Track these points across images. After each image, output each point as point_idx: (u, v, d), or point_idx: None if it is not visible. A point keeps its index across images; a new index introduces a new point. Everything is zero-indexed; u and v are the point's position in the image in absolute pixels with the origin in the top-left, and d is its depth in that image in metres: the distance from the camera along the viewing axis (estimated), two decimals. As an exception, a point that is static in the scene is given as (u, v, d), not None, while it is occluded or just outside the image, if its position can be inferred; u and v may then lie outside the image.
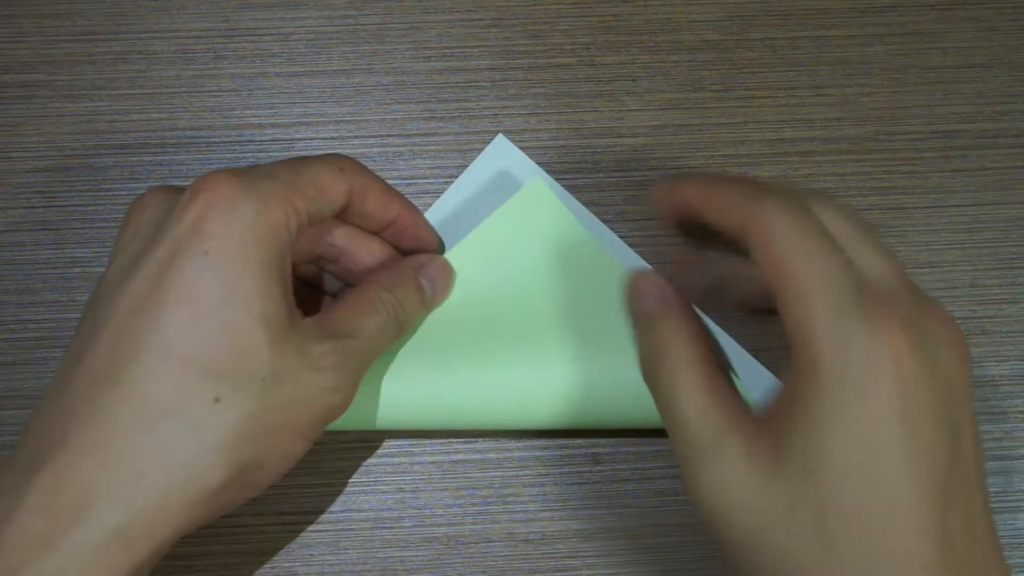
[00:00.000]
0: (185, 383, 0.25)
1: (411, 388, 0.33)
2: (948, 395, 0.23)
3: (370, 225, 0.32)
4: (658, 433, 0.35)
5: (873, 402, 0.23)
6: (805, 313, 0.24)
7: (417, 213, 0.33)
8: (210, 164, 0.36)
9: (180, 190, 0.28)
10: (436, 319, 0.33)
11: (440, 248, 0.35)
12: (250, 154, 0.36)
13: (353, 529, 0.34)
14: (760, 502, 0.24)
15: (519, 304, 0.34)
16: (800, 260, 0.24)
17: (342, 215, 0.31)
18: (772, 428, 0.24)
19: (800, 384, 0.24)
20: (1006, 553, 0.34)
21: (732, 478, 0.24)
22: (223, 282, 0.26)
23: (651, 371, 0.27)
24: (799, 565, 0.24)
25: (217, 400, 0.25)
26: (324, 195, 0.29)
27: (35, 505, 0.24)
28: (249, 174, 0.27)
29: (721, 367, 0.27)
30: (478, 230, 0.34)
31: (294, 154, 0.36)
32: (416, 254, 0.33)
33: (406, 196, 0.33)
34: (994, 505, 0.34)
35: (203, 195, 0.26)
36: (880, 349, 0.23)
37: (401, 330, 0.31)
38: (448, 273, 0.33)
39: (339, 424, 0.30)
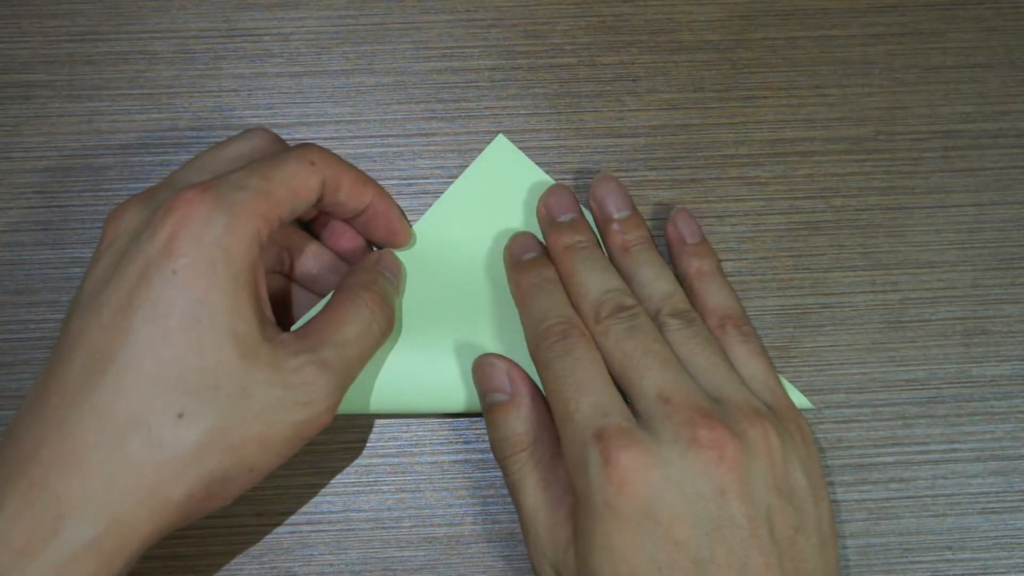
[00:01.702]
0: (151, 398, 0.26)
1: (406, 366, 0.33)
2: (696, 501, 0.27)
3: (342, 213, 0.32)
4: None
5: (620, 512, 0.27)
6: (563, 447, 0.29)
7: (390, 200, 0.33)
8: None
9: (157, 201, 0.28)
10: (417, 288, 0.34)
11: (410, 237, 0.34)
12: (250, 154, 0.36)
13: (353, 529, 0.34)
14: None
15: (495, 262, 0.34)
16: (551, 401, 0.30)
17: (315, 204, 0.31)
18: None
19: (575, 505, 0.28)
20: (1006, 553, 0.34)
21: (555, 565, 0.29)
22: (191, 300, 0.26)
23: (501, 459, 0.31)
24: None
25: (181, 415, 0.26)
26: (296, 197, 0.29)
27: (12, 516, 0.25)
28: (219, 187, 0.27)
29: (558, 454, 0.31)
30: (449, 193, 0.35)
31: (294, 154, 0.36)
32: (373, 252, 0.33)
33: (401, 194, 0.33)
34: (994, 505, 0.34)
35: (175, 213, 0.26)
36: (610, 475, 0.27)
37: (390, 324, 0.31)
38: (399, 265, 0.34)
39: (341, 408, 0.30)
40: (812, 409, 0.35)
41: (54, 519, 0.25)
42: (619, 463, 0.27)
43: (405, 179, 0.36)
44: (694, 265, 0.33)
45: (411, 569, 0.34)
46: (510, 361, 0.32)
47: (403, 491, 0.34)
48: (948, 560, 0.34)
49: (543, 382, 0.30)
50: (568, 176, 0.36)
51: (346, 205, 0.31)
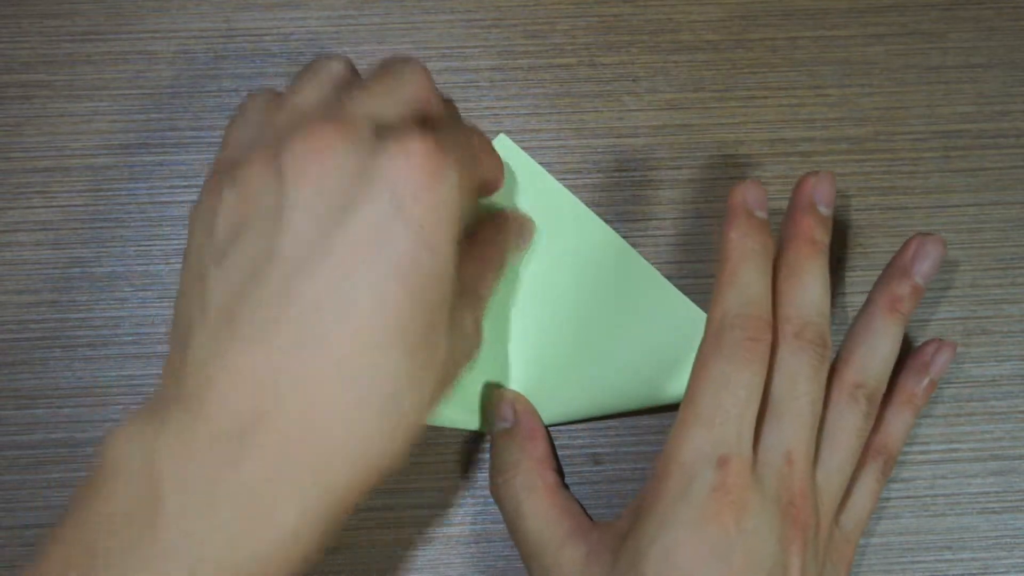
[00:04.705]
0: (393, 360, 0.25)
1: None
2: (760, 561, 0.27)
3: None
4: (657, 431, 0.35)
5: (703, 535, 0.27)
6: (673, 442, 0.29)
7: (501, 165, 0.33)
8: (210, 164, 0.36)
9: (366, 140, 0.25)
10: None
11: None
12: (250, 154, 0.36)
13: (354, 529, 0.34)
14: None
15: None
16: (694, 388, 0.29)
17: None
18: (615, 533, 0.29)
19: (646, 502, 0.28)
20: (1006, 553, 0.34)
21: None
22: (433, 259, 0.25)
23: (502, 484, 0.32)
24: None
25: (414, 378, 0.25)
26: (491, 188, 0.31)
27: (253, 477, 0.23)
28: (444, 138, 0.25)
29: (561, 482, 0.33)
30: None
31: (294, 154, 0.36)
32: (515, 212, 0.34)
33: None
34: (994, 505, 0.34)
35: (413, 159, 0.25)
36: (716, 501, 0.27)
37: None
38: (534, 232, 0.35)
39: None
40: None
41: (292, 483, 0.24)
42: (729, 496, 0.27)
43: (405, 179, 0.36)
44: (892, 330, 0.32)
45: (411, 569, 0.34)
46: (516, 393, 0.34)
47: (403, 491, 0.34)
48: (948, 560, 0.34)
49: (699, 362, 0.29)
50: (568, 176, 0.36)
51: (486, 188, 0.32)
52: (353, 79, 0.29)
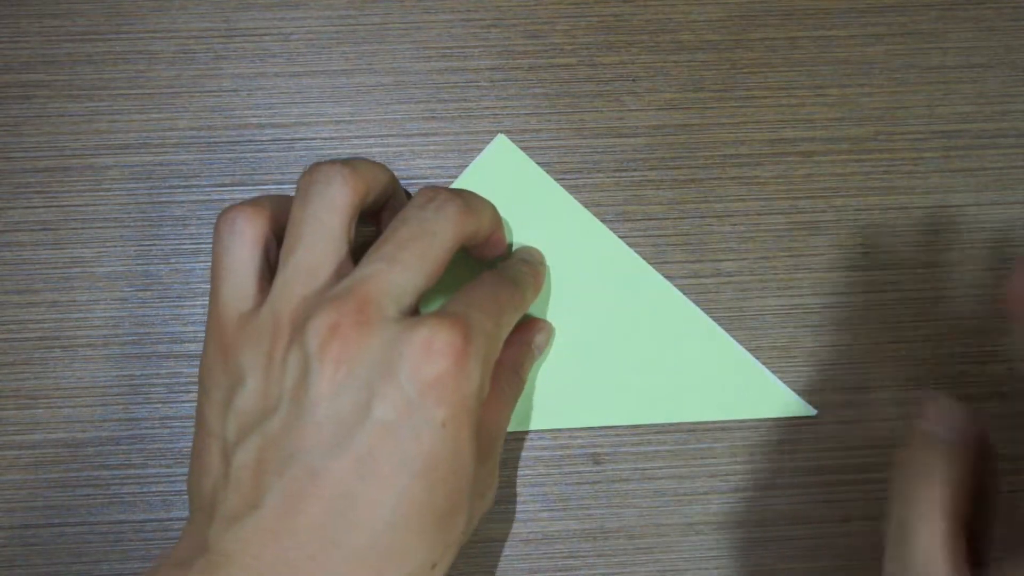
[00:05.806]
0: (413, 551, 0.25)
1: None
2: None
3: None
4: (658, 431, 0.35)
5: None
6: None
7: (503, 231, 0.33)
8: (210, 164, 0.36)
9: (388, 323, 0.25)
10: None
11: (508, 249, 0.35)
12: (250, 154, 0.36)
13: (353, 529, 0.34)
14: None
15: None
16: None
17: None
18: None
19: None
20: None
21: None
22: (455, 454, 0.25)
23: (900, 497, 0.28)
24: None
25: (434, 566, 0.26)
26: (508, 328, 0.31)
27: None
28: (475, 333, 0.26)
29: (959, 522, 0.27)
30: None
31: (294, 155, 0.36)
32: (529, 322, 0.34)
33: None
34: (994, 505, 0.34)
35: (438, 359, 0.25)
36: None
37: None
38: (551, 333, 0.34)
39: None
40: (814, 415, 0.35)
41: None
42: None
43: (405, 179, 0.36)
44: None
45: (411, 569, 0.34)
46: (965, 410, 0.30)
47: (403, 491, 0.34)
48: (948, 560, 0.34)
49: None
50: (568, 176, 0.36)
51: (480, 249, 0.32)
52: (357, 209, 0.28)
